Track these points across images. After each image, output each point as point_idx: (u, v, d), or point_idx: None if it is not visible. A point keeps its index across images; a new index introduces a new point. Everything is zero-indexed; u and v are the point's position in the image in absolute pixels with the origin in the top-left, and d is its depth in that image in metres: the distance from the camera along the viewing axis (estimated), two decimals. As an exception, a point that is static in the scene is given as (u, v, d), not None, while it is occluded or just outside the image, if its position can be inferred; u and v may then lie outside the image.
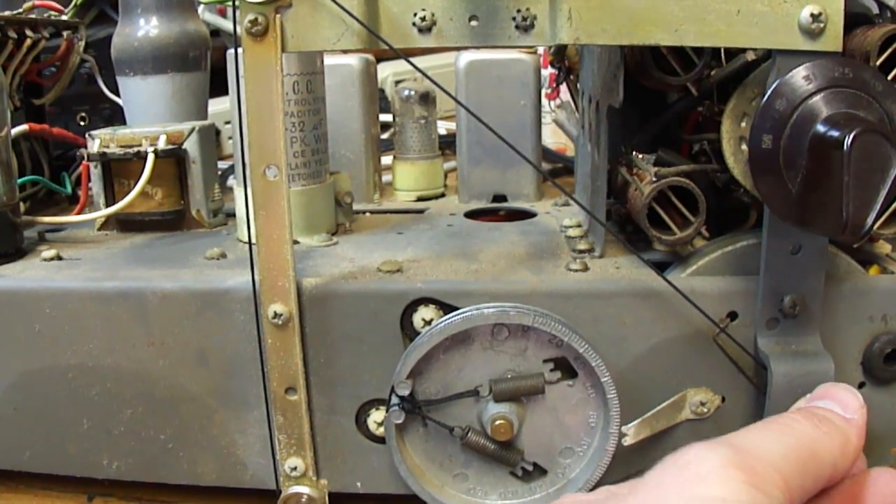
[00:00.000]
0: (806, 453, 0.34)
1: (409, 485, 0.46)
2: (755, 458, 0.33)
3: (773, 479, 0.32)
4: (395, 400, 0.45)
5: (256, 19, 0.41)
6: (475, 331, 0.45)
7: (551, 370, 0.45)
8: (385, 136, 0.86)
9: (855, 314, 0.46)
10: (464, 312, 0.44)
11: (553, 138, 1.00)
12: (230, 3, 0.42)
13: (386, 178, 0.75)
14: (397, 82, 1.13)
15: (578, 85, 0.63)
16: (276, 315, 0.45)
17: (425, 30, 0.42)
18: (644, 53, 0.45)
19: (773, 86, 0.39)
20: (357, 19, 0.41)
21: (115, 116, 0.86)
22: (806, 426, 0.36)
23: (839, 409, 0.37)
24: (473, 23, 0.41)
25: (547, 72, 0.83)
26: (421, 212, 0.66)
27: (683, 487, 0.32)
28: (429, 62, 0.84)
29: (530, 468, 0.47)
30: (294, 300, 0.45)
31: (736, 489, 0.31)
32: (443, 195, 0.73)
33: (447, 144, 0.84)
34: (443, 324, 0.44)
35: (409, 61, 0.43)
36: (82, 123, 0.88)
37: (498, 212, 0.67)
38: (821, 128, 0.38)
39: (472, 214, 0.65)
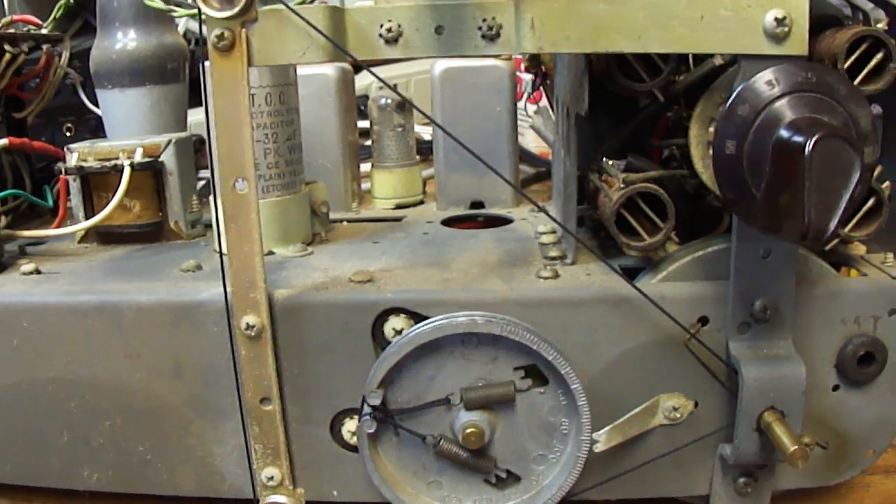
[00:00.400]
0: None
1: (383, 493, 0.47)
2: None
3: None
4: (366, 409, 0.45)
5: (223, 34, 0.41)
6: (445, 340, 0.45)
7: (522, 378, 0.45)
8: (368, 143, 0.86)
9: (827, 317, 0.46)
10: (433, 322, 0.45)
11: (536, 142, 1.00)
12: (196, 18, 0.42)
13: (365, 185, 0.75)
14: (381, 89, 1.13)
15: (554, 90, 0.63)
16: (248, 326, 0.45)
17: (391, 41, 0.42)
18: (610, 60, 0.45)
19: (737, 91, 0.39)
20: (322, 33, 0.41)
21: (102, 127, 0.86)
22: None
23: None
24: (439, 33, 0.42)
25: (528, 76, 0.83)
26: (399, 220, 0.67)
27: None
28: (408, 69, 0.85)
29: (504, 475, 0.47)
30: (266, 312, 0.45)
31: None
32: (422, 202, 0.73)
33: (427, 150, 0.84)
34: (412, 333, 0.44)
35: (372, 73, 0.43)
36: (68, 134, 0.88)
37: (476, 218, 0.68)
38: (784, 133, 0.38)
39: (449, 221, 0.65)
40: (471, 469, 0.46)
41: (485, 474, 0.47)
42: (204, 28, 0.42)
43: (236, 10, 0.41)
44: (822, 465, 0.49)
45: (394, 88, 0.44)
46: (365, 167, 0.75)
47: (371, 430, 0.45)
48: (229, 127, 0.43)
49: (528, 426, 0.46)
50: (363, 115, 0.87)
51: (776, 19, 0.39)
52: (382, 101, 0.70)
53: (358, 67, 0.70)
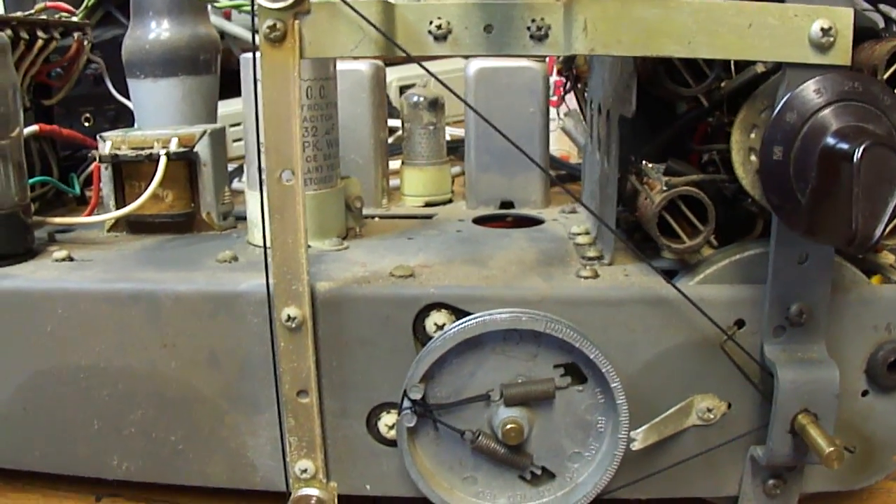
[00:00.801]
0: None
1: (420, 487, 0.47)
2: None
3: None
4: (407, 403, 0.45)
5: (275, 25, 0.42)
6: (487, 336, 0.45)
7: (562, 375, 0.46)
8: (390, 140, 0.86)
9: (859, 323, 0.47)
10: (478, 317, 0.45)
11: (556, 146, 1.00)
12: (247, 9, 0.43)
13: (393, 182, 0.75)
14: (402, 88, 1.14)
15: (587, 93, 0.64)
16: (289, 318, 0.45)
17: (440, 38, 0.42)
18: (656, 64, 0.46)
19: (784, 99, 0.40)
20: (375, 27, 0.42)
21: (120, 117, 0.87)
22: None
23: None
24: (488, 32, 0.42)
25: (552, 80, 0.83)
26: (429, 217, 0.67)
27: None
28: (437, 67, 0.85)
29: (539, 472, 0.47)
30: (308, 304, 0.45)
31: None
32: (450, 201, 0.73)
33: (454, 150, 0.85)
34: (456, 328, 0.45)
35: (426, 69, 0.44)
36: (87, 124, 0.88)
37: (505, 218, 0.68)
38: (830, 140, 0.39)
39: (479, 220, 0.65)
40: (507, 465, 0.47)
41: (520, 471, 0.47)
42: (252, 19, 0.42)
43: (290, 1, 0.41)
44: (847, 469, 0.49)
45: (443, 83, 0.45)
46: (392, 164, 0.75)
47: (411, 424, 0.45)
48: (278, 118, 0.43)
49: (566, 424, 0.47)
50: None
51: (822, 29, 0.40)
52: (414, 98, 0.70)
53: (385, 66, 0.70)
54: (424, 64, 0.44)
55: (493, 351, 0.46)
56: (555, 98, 0.86)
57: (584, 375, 0.46)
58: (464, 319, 0.45)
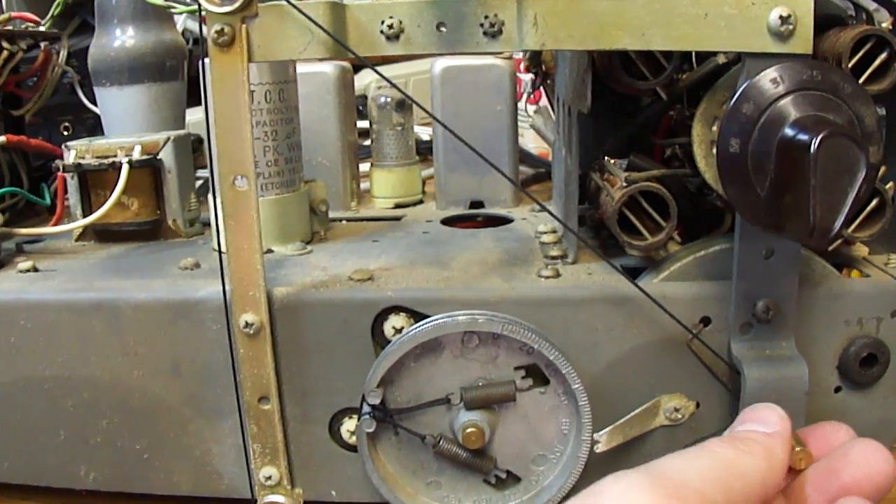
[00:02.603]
0: (728, 473, 0.34)
1: (382, 493, 0.46)
2: (670, 480, 0.33)
3: (690, 498, 0.32)
4: (366, 408, 0.45)
5: (223, 29, 0.41)
6: (446, 339, 0.45)
7: (523, 377, 0.45)
8: (367, 143, 0.86)
9: (830, 318, 0.46)
10: (434, 320, 0.44)
11: (535, 143, 0.99)
12: (196, 13, 0.42)
13: (364, 184, 0.75)
14: (380, 88, 1.13)
15: (555, 90, 0.63)
16: (247, 325, 0.45)
17: (393, 37, 0.42)
18: (613, 58, 0.45)
19: (741, 89, 0.39)
20: (323, 28, 0.41)
21: (99, 126, 0.86)
22: (724, 448, 0.36)
23: (760, 426, 0.38)
24: (441, 29, 0.41)
25: (528, 76, 0.83)
26: (398, 219, 0.66)
27: None
28: (406, 69, 0.85)
29: (504, 476, 0.47)
30: (265, 309, 0.45)
31: None
32: (421, 202, 0.73)
33: (427, 150, 0.84)
34: (412, 332, 0.44)
35: (375, 70, 0.43)
36: (66, 133, 0.88)
37: (475, 218, 0.67)
38: (788, 131, 0.38)
39: (449, 221, 0.65)
40: (470, 469, 0.46)
41: (484, 474, 0.46)
42: (204, 24, 0.42)
43: (236, 5, 0.41)
44: (822, 466, 0.48)
45: (394, 85, 0.44)
46: (364, 167, 0.75)
47: (370, 430, 0.45)
48: (229, 124, 0.43)
49: (529, 426, 0.46)
50: (361, 115, 0.87)
51: (781, 17, 0.39)
52: (382, 99, 0.70)
53: (357, 67, 0.70)
54: (398, 66, 0.43)
55: (452, 354, 0.45)
56: (530, 94, 0.85)
57: (546, 377, 0.45)
58: (421, 322, 0.44)
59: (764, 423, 0.38)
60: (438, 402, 0.45)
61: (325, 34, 0.41)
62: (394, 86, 0.43)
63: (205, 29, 0.42)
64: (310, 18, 0.41)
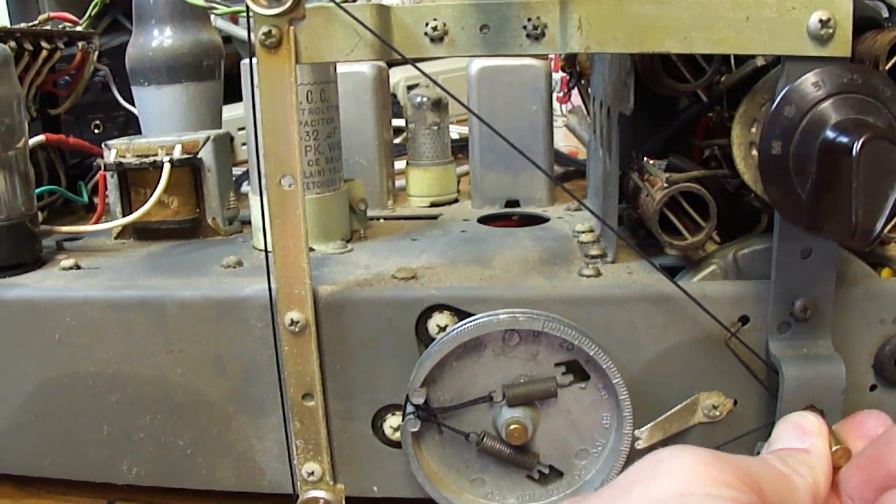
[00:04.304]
0: (781, 484, 0.35)
1: (427, 491, 0.47)
2: (731, 462, 0.33)
3: (747, 481, 0.33)
4: (410, 408, 0.46)
5: (270, 31, 0.42)
6: (487, 337, 0.45)
7: (563, 373, 0.46)
8: (397, 140, 0.86)
9: (866, 317, 0.46)
10: (475, 319, 0.45)
11: (565, 141, 1.00)
12: (244, 15, 0.43)
13: (399, 182, 0.76)
14: (409, 87, 1.14)
15: (590, 90, 0.63)
16: (292, 322, 0.45)
17: (437, 39, 0.42)
18: (654, 60, 0.46)
19: (783, 92, 0.40)
20: (370, 30, 0.42)
21: (130, 124, 0.87)
22: (776, 461, 0.37)
23: (798, 443, 0.38)
24: (484, 32, 0.42)
25: (558, 75, 0.83)
26: (434, 218, 0.67)
27: (650, 483, 0.32)
28: (440, 67, 0.85)
29: (546, 471, 0.47)
30: (310, 307, 0.45)
31: (705, 483, 0.32)
32: (456, 200, 0.73)
33: (459, 149, 0.85)
34: (454, 332, 0.45)
35: (422, 72, 0.44)
36: (97, 132, 0.89)
37: (511, 217, 0.68)
38: (830, 134, 0.38)
39: (484, 220, 0.65)
40: (514, 465, 0.47)
41: (528, 470, 0.47)
42: (248, 26, 0.42)
43: (285, 7, 0.41)
44: (856, 464, 0.49)
45: (440, 85, 0.45)
46: (398, 164, 0.75)
47: (415, 429, 0.46)
48: (276, 124, 0.43)
49: (570, 421, 0.46)
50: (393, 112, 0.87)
51: (821, 21, 0.40)
52: (418, 99, 0.70)
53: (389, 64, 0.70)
54: (426, 65, 0.44)
55: (493, 352, 0.46)
56: (561, 94, 0.86)
57: (586, 372, 0.46)
58: (462, 322, 0.45)
59: (801, 437, 0.39)
60: (481, 399, 0.46)
61: (373, 36, 0.42)
62: (440, 87, 0.44)
63: (250, 30, 0.42)
64: (357, 20, 0.42)
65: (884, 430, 0.39)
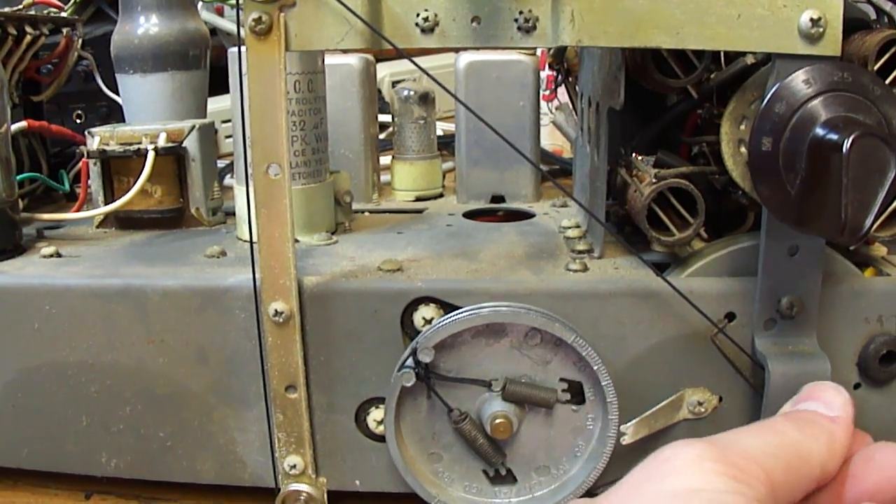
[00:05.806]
0: (792, 454, 0.34)
1: (387, 441, 0.46)
2: (735, 453, 0.33)
3: (753, 472, 0.32)
4: (411, 362, 0.45)
5: (260, 18, 0.41)
6: (511, 327, 0.45)
7: (563, 390, 0.46)
8: (382, 136, 0.86)
9: (851, 315, 0.46)
10: (516, 307, 0.45)
11: (549, 140, 1.00)
12: (232, 2, 0.42)
13: (384, 177, 0.75)
14: (394, 83, 1.13)
15: (577, 87, 0.63)
16: (276, 313, 0.45)
17: (428, 30, 0.42)
18: (645, 56, 0.46)
19: (773, 89, 0.40)
20: (361, 18, 0.41)
21: (112, 114, 0.86)
22: (790, 429, 0.36)
23: (824, 408, 0.38)
24: (475, 24, 0.42)
25: (544, 73, 0.83)
26: (420, 212, 0.67)
27: (659, 481, 0.32)
28: (428, 63, 0.85)
29: (504, 472, 0.47)
30: (295, 298, 0.45)
31: (712, 479, 0.31)
32: (441, 195, 0.73)
33: (445, 145, 0.84)
34: (488, 309, 0.44)
35: (412, 61, 0.43)
36: (78, 121, 0.88)
37: (496, 212, 0.68)
38: (820, 131, 0.38)
39: (470, 215, 0.65)
40: (480, 455, 0.46)
41: (489, 466, 0.47)
42: (237, 12, 0.42)
43: (275, -7, 0.41)
44: (840, 462, 0.49)
45: (432, 76, 0.44)
46: (383, 160, 0.75)
47: (409, 384, 0.45)
48: (264, 112, 0.43)
49: (548, 437, 0.47)
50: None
51: (811, 20, 0.40)
52: (405, 93, 0.70)
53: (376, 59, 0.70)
54: (414, 59, 0.44)
55: (510, 343, 0.45)
56: (547, 92, 0.86)
57: (583, 398, 0.46)
58: (499, 304, 0.45)
59: (828, 404, 0.38)
60: (480, 382, 0.45)
61: (363, 25, 0.41)
62: (432, 77, 0.44)
63: (240, 16, 0.42)
64: (348, 8, 0.41)
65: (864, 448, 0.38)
